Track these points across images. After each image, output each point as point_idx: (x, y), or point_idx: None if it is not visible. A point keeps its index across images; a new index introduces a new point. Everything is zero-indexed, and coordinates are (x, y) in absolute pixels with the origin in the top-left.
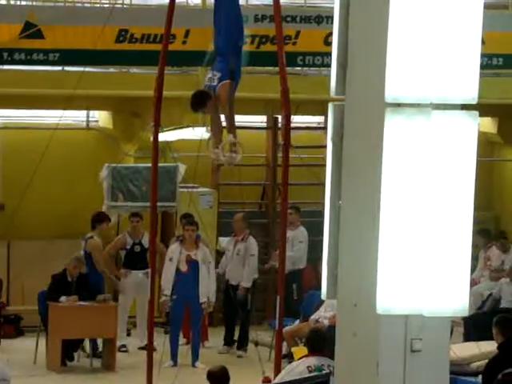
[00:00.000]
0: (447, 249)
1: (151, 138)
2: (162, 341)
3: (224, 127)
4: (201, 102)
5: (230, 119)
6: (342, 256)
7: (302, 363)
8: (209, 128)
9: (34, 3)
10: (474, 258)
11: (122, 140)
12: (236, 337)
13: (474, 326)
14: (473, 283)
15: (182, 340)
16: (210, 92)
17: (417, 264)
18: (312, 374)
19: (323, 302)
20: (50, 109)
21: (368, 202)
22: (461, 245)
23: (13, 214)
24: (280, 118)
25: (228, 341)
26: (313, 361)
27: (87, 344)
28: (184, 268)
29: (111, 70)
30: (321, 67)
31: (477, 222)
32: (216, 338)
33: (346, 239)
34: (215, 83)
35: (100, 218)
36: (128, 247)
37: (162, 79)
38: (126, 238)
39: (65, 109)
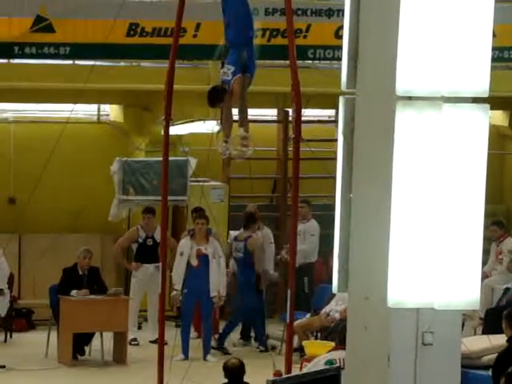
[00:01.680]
0: (458, 242)
1: (162, 132)
2: (173, 334)
3: (235, 121)
4: (218, 97)
5: (243, 113)
6: (354, 249)
7: (329, 355)
8: (219, 121)
9: None
10: (486, 252)
11: (132, 134)
12: (252, 332)
13: (495, 320)
14: (484, 276)
15: (192, 334)
16: (225, 86)
17: (428, 257)
18: (323, 368)
19: (334, 295)
20: (60, 103)
21: (379, 195)
22: (472, 238)
23: (24, 208)
24: (291, 111)
25: (244, 335)
26: (339, 354)
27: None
28: (195, 263)
29: (122, 63)
30: (332, 60)
31: (488, 214)
32: None
33: (358, 233)
34: (229, 77)
35: (254, 218)
36: (140, 241)
37: (172, 73)
38: (139, 232)
39: (76, 103)
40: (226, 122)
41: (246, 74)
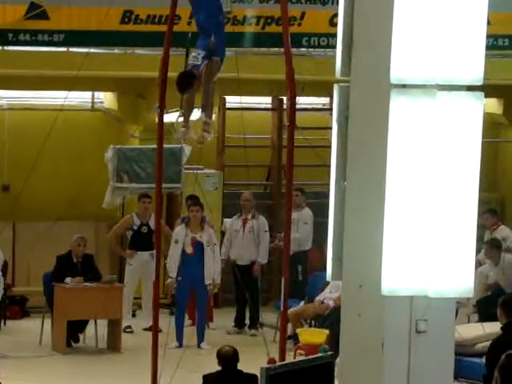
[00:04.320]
0: (452, 230)
1: (156, 120)
2: (167, 322)
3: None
4: (188, 82)
5: (207, 97)
6: (347, 237)
7: None
8: (215, 109)
9: None
10: (480, 239)
11: (127, 121)
12: (246, 319)
13: (486, 308)
14: (478, 264)
15: (187, 321)
16: (195, 71)
17: (422, 245)
18: (317, 355)
19: (328, 283)
20: (55, 90)
21: (373, 183)
22: (466, 225)
23: (18, 195)
24: (285, 99)
25: (239, 322)
26: None
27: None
28: (189, 250)
29: (116, 50)
30: (326, 48)
31: (482, 203)
32: (221, 319)
33: (352, 221)
34: (199, 62)
35: None
36: (135, 228)
37: (167, 60)
38: (133, 219)
39: (70, 90)
40: (187, 107)
41: (215, 58)
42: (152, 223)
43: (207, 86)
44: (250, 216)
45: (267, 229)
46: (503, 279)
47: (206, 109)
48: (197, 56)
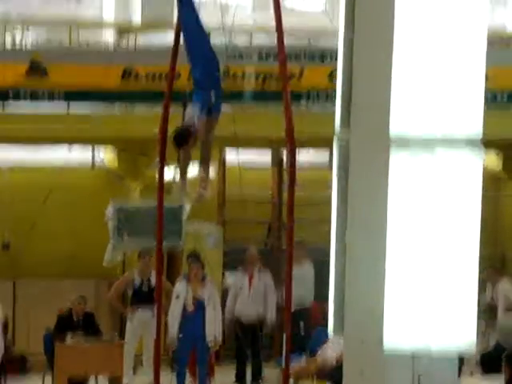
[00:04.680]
0: (454, 285)
1: (157, 177)
2: (168, 379)
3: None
4: (183, 138)
5: (205, 154)
6: (349, 292)
7: None
8: (215, 165)
9: (40, 43)
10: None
11: (127, 178)
12: (248, 374)
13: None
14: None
15: (188, 378)
16: (190, 128)
17: (424, 301)
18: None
19: (330, 338)
20: (55, 149)
21: (374, 238)
22: (467, 281)
23: (19, 253)
24: (285, 155)
25: (240, 378)
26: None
27: None
28: (190, 308)
29: (116, 108)
30: (325, 104)
31: (483, 258)
32: (222, 375)
33: (353, 276)
34: (195, 118)
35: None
36: (136, 285)
37: (167, 117)
38: (134, 276)
39: (70, 148)
40: (184, 163)
41: (212, 115)
42: (153, 280)
43: (204, 142)
44: (255, 272)
45: (272, 283)
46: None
47: (203, 165)
48: (193, 112)
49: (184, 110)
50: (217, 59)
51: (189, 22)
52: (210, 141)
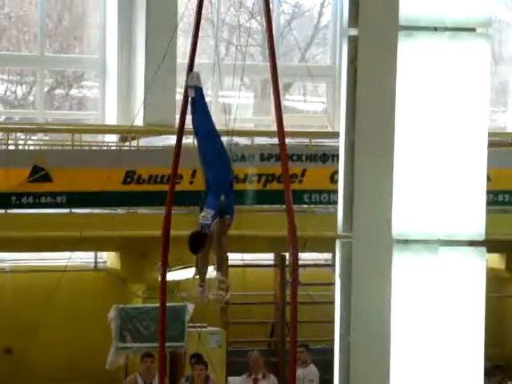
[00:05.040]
0: None
1: (159, 278)
2: None
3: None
4: (199, 242)
5: (220, 256)
6: None
7: None
8: (215, 267)
9: (42, 147)
10: None
11: (130, 280)
12: None
13: None
14: None
15: None
16: (205, 231)
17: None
18: None
19: None
20: (57, 251)
21: (378, 338)
22: (472, 380)
23: (21, 358)
24: (287, 255)
25: None
26: None
27: None
28: None
29: (119, 211)
30: (327, 204)
31: (487, 358)
32: None
33: (357, 376)
34: (209, 221)
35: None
36: None
37: (169, 219)
38: (137, 379)
39: (73, 251)
40: (202, 266)
41: (225, 217)
42: (156, 383)
43: (219, 244)
44: (260, 376)
45: None
46: None
47: (221, 267)
48: (206, 215)
49: (200, 212)
50: (229, 162)
51: (202, 127)
52: (224, 243)
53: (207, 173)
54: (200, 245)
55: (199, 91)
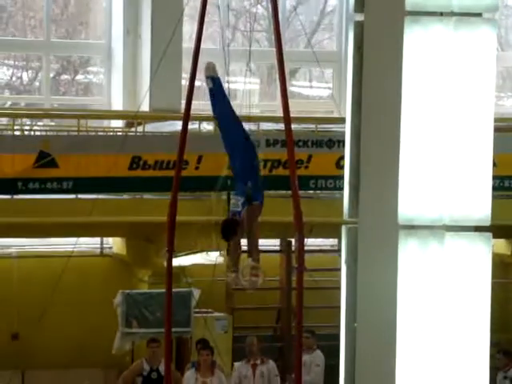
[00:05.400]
0: (465, 372)
1: (165, 264)
2: None
3: (244, 251)
4: (231, 229)
5: (252, 242)
6: (359, 379)
7: None
8: (223, 252)
9: (48, 133)
10: (492, 380)
11: (136, 266)
12: None
13: None
14: None
15: None
16: (237, 218)
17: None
18: None
19: None
20: (64, 237)
21: (385, 325)
22: (478, 367)
23: (27, 343)
24: (293, 241)
25: None
26: None
27: None
28: None
29: (125, 196)
30: (333, 190)
31: (493, 344)
32: None
33: (363, 363)
34: (239, 208)
35: None
36: (145, 374)
37: (175, 205)
38: (143, 365)
39: (79, 236)
40: (235, 253)
41: (255, 202)
42: (162, 369)
43: (250, 230)
44: (258, 361)
45: (277, 373)
46: None
47: (253, 253)
48: (236, 202)
49: (228, 200)
50: (254, 148)
51: (222, 113)
52: (255, 229)
53: (233, 160)
54: (232, 232)
55: (217, 81)
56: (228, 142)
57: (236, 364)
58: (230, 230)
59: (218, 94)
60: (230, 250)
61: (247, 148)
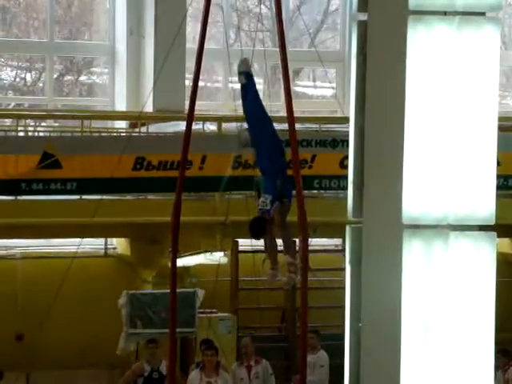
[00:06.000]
0: (469, 372)
1: (169, 264)
2: None
3: (280, 251)
4: (261, 228)
5: (286, 240)
6: (364, 379)
7: None
8: (227, 253)
9: (52, 134)
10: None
11: (140, 266)
12: None
13: None
14: None
15: None
16: (266, 216)
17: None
18: None
19: None
20: (67, 237)
21: (388, 325)
22: (482, 367)
23: (32, 344)
24: (298, 240)
25: None
26: None
27: None
28: None
29: (128, 197)
30: (337, 190)
31: (497, 343)
32: None
33: (368, 362)
34: (268, 207)
35: None
36: (145, 374)
37: (179, 205)
38: (144, 366)
39: (83, 237)
40: (272, 251)
41: (284, 200)
42: (163, 369)
43: (282, 229)
44: (252, 362)
45: (272, 372)
46: None
47: (289, 250)
48: (265, 201)
49: (258, 198)
50: (281, 145)
51: (253, 112)
52: (287, 226)
53: (260, 158)
54: (261, 230)
55: (250, 77)
56: (256, 139)
57: (233, 366)
58: (258, 229)
59: (251, 91)
60: (266, 249)
61: (276, 145)
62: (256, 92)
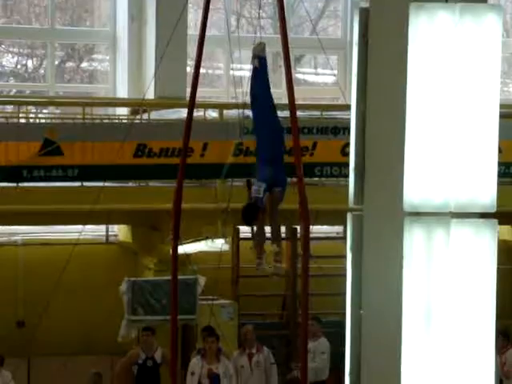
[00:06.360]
0: (470, 357)
1: (170, 251)
2: None
3: (268, 238)
4: (252, 215)
5: (275, 229)
6: (365, 366)
7: None
8: (229, 240)
9: (53, 121)
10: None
11: (141, 253)
12: None
13: None
14: None
15: None
16: (258, 203)
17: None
18: None
19: None
20: (69, 224)
21: (389, 311)
22: (484, 354)
23: (33, 330)
24: (299, 228)
25: None
26: None
27: None
28: (206, 383)
29: (130, 184)
30: (338, 177)
31: (498, 330)
32: None
33: (369, 350)
34: (261, 195)
35: None
36: (140, 361)
37: (180, 192)
38: (139, 352)
39: (84, 224)
40: (259, 238)
41: (277, 188)
42: (157, 357)
43: (273, 216)
44: (254, 350)
45: (273, 361)
46: None
47: (276, 239)
48: (259, 189)
49: (249, 186)
50: (282, 134)
51: (261, 96)
52: (277, 214)
53: (260, 142)
54: (253, 217)
55: (264, 62)
56: (259, 125)
57: (234, 354)
58: (250, 215)
59: (262, 76)
60: (254, 236)
61: (277, 132)
62: (267, 78)
